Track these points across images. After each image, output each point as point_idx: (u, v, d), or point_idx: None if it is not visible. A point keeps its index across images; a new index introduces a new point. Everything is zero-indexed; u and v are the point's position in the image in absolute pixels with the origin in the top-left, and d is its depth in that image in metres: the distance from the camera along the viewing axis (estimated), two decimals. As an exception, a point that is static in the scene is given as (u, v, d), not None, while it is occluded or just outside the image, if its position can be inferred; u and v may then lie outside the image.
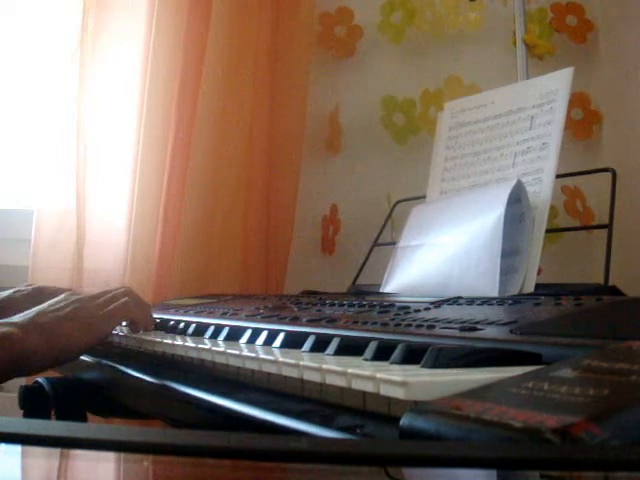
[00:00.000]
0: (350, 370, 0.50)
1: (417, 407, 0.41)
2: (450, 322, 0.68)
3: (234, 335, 0.77)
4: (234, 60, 1.52)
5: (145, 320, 0.94)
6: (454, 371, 0.49)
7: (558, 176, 1.04)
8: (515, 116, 1.13)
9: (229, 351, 0.67)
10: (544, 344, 0.54)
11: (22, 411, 1.10)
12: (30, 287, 1.09)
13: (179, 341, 0.81)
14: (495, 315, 0.69)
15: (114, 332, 0.96)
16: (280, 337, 0.68)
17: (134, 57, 1.52)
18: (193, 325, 0.87)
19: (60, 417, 1.06)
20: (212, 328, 0.83)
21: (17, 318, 0.83)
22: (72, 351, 0.86)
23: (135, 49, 1.52)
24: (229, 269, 1.51)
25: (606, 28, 1.66)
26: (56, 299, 0.89)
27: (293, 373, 0.57)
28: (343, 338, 0.62)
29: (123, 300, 0.91)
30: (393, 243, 1.24)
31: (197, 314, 1.05)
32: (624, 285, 0.92)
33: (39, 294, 1.04)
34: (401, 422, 0.39)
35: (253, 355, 0.63)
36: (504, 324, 0.63)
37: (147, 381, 0.76)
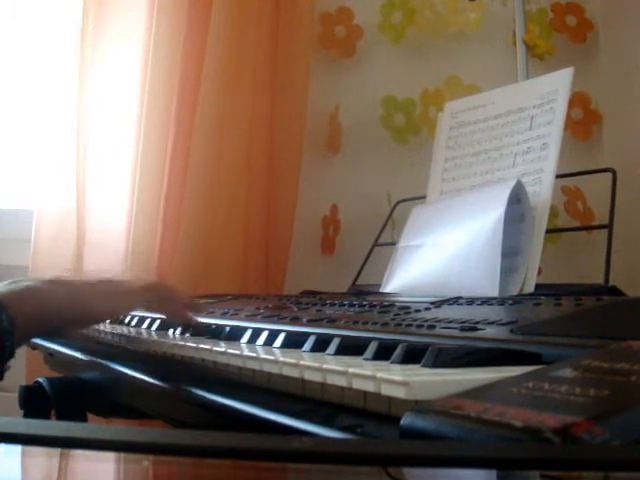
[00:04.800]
0: (351, 370, 0.50)
1: (418, 407, 0.41)
2: (450, 322, 0.68)
3: (234, 335, 0.77)
4: (234, 60, 1.52)
5: (178, 313, 0.92)
6: (454, 371, 0.49)
7: (558, 176, 1.04)
8: (515, 116, 1.13)
9: (230, 351, 0.67)
10: (544, 344, 0.54)
11: (22, 411, 1.10)
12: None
13: (180, 341, 0.81)
14: (495, 315, 0.68)
15: (115, 332, 0.96)
16: (281, 337, 0.68)
17: (134, 57, 1.52)
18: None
19: (60, 417, 1.05)
20: (212, 328, 0.82)
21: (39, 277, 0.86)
22: (93, 313, 0.87)
23: (135, 49, 1.52)
24: (229, 269, 1.51)
25: (606, 28, 1.65)
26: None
27: (294, 373, 0.57)
28: (343, 338, 0.62)
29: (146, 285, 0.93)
30: (393, 243, 1.24)
31: (197, 314, 1.04)
32: (624, 285, 0.92)
33: None
34: (402, 422, 0.39)
35: (254, 355, 0.63)
36: (504, 324, 0.63)
37: (147, 381, 0.76)
